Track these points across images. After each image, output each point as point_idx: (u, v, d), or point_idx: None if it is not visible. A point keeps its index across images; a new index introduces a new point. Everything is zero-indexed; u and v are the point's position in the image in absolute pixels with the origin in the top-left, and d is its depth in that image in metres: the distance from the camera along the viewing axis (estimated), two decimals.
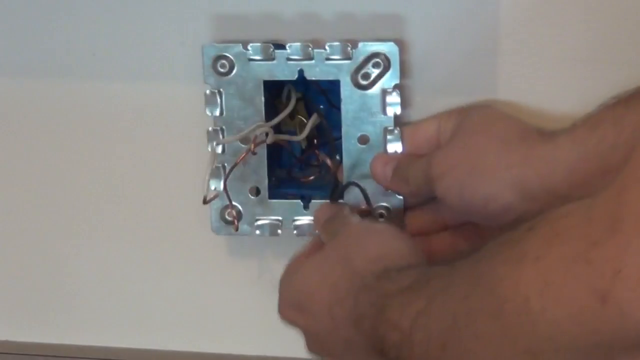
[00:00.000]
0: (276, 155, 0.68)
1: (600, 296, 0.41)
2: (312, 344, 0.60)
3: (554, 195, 0.54)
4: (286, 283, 0.61)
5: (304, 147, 0.68)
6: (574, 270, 0.42)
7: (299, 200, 0.66)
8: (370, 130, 0.64)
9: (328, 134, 0.66)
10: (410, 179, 0.62)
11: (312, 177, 0.67)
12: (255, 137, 0.63)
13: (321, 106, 0.67)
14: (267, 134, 0.64)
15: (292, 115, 0.67)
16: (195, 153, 0.68)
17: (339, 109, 0.66)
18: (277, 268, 0.62)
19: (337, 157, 0.66)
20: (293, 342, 0.62)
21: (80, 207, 0.72)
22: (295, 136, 0.66)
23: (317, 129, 0.67)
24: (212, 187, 0.65)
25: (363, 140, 0.64)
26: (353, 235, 0.59)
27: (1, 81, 0.71)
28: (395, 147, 0.64)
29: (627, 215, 0.41)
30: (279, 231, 0.66)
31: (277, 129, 0.66)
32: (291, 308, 0.60)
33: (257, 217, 0.66)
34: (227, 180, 0.65)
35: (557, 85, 0.64)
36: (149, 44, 0.68)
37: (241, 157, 0.64)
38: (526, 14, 0.64)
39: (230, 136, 0.65)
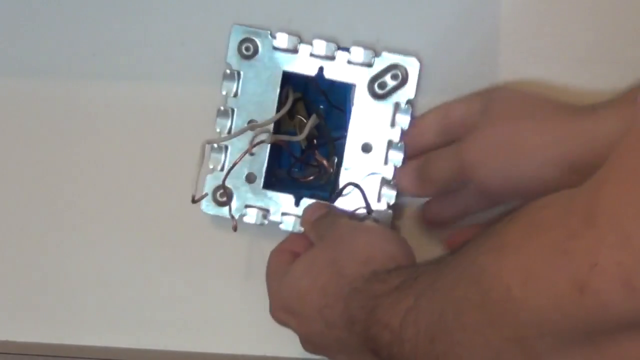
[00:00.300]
0: (276, 155, 0.68)
1: (578, 287, 0.41)
2: (307, 343, 0.60)
3: (597, 167, 0.53)
4: (276, 286, 0.61)
5: (303, 147, 0.68)
6: (552, 260, 0.42)
7: (291, 195, 0.65)
8: (374, 140, 0.64)
9: (327, 135, 0.66)
10: (435, 176, 0.62)
11: (311, 178, 0.67)
12: (254, 138, 0.63)
13: (321, 106, 0.67)
14: (268, 134, 0.64)
15: (291, 116, 0.67)
16: (196, 153, 0.68)
17: (339, 109, 0.66)
18: None
19: (335, 158, 0.65)
20: (293, 342, 0.62)
21: (79, 207, 0.72)
22: (294, 136, 0.65)
23: (317, 129, 0.66)
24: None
25: (366, 148, 0.64)
26: (341, 236, 0.59)
27: (1, 81, 0.71)
28: (396, 159, 0.64)
29: (602, 210, 0.41)
30: (265, 221, 0.66)
31: (277, 129, 0.66)
32: (283, 311, 0.60)
33: (247, 204, 0.66)
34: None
35: (560, 85, 0.64)
36: (150, 44, 0.68)
37: (240, 158, 0.64)
38: (528, 14, 0.64)
39: (225, 135, 0.64)
